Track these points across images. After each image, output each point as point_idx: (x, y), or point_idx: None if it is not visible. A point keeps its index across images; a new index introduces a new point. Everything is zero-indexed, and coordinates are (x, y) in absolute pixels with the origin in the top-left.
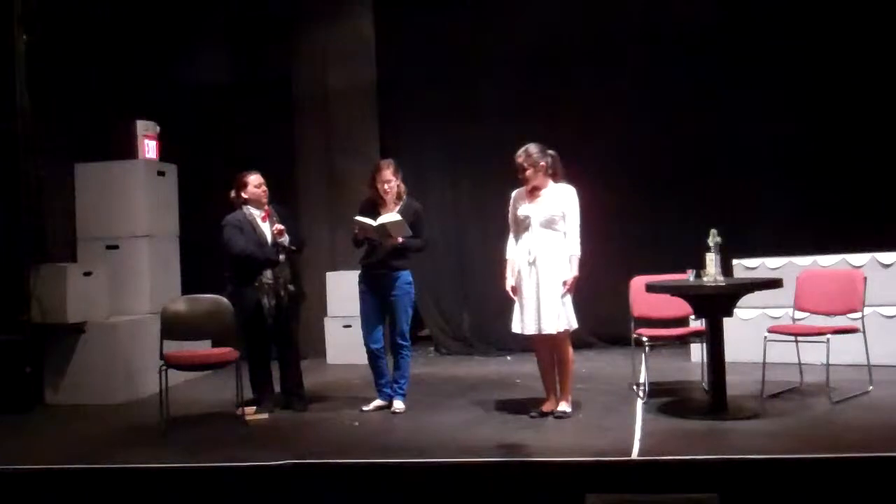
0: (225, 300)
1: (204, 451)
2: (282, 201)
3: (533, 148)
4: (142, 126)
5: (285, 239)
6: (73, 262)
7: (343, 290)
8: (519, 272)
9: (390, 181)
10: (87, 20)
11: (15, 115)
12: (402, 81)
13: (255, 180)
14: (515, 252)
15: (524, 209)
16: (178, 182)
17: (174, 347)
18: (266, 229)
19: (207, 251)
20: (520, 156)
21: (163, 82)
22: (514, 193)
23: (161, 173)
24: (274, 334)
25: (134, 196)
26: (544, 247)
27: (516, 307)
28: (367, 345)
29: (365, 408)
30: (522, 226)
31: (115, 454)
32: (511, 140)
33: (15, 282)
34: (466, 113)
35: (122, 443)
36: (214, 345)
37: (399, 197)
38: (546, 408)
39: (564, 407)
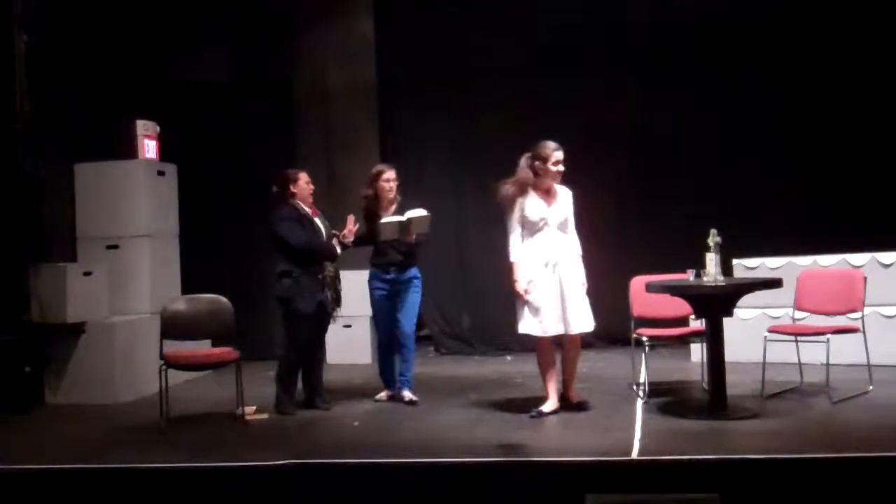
0: (224, 300)
1: (204, 451)
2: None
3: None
4: (142, 126)
5: (350, 239)
6: (73, 262)
7: (343, 290)
8: (533, 273)
9: (393, 179)
10: (86, 20)
11: (15, 115)
12: (402, 81)
13: (305, 177)
14: (526, 253)
15: (539, 211)
16: (178, 182)
17: (174, 347)
18: (319, 223)
19: (207, 251)
20: (559, 150)
21: (163, 82)
22: (528, 195)
23: (161, 173)
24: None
25: (134, 196)
26: (562, 249)
27: (526, 308)
28: (380, 341)
29: (377, 397)
30: (535, 227)
31: (115, 454)
32: (511, 140)
33: (15, 282)
34: (466, 113)
35: (122, 443)
36: (214, 345)
37: (395, 199)
38: (546, 408)
39: (544, 407)
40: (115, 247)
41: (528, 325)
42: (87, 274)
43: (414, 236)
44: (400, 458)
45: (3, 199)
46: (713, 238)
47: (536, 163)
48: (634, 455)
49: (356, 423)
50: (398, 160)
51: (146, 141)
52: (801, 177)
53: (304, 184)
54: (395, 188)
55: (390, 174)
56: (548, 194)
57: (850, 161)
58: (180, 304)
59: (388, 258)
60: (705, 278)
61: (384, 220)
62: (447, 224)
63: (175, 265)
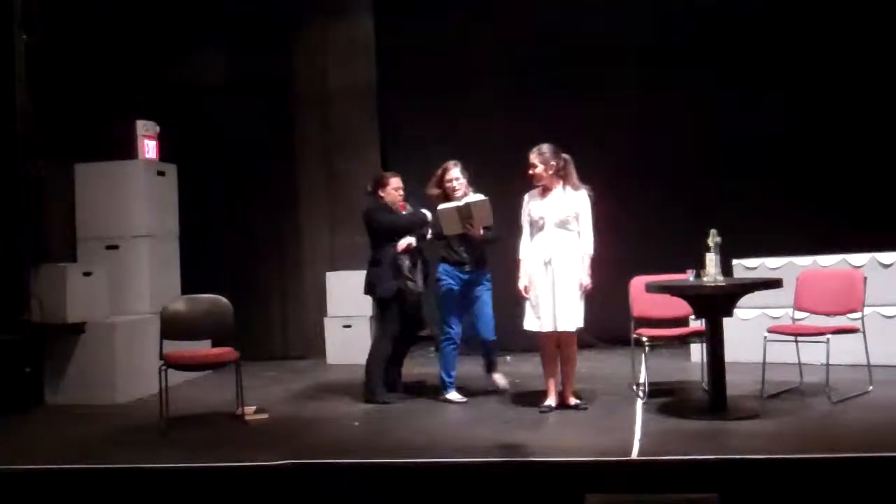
0: (224, 300)
1: (204, 451)
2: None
3: (545, 147)
4: (142, 126)
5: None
6: (73, 262)
7: (343, 290)
8: (532, 271)
9: (458, 178)
10: (86, 20)
11: (15, 115)
12: (402, 81)
13: (396, 183)
14: (529, 252)
15: (538, 210)
16: (178, 182)
17: (174, 347)
18: None
19: (207, 251)
20: (532, 153)
21: (163, 82)
22: (527, 195)
23: (161, 173)
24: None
25: (134, 196)
26: (559, 247)
27: (528, 305)
28: (453, 338)
29: (454, 398)
30: (536, 226)
31: (115, 454)
32: (511, 140)
33: (15, 282)
34: (466, 113)
35: (122, 443)
36: (214, 345)
37: (466, 195)
38: (551, 403)
39: (576, 401)
40: (115, 247)
41: (527, 320)
42: (87, 274)
43: (480, 230)
44: (400, 458)
45: (3, 199)
46: (713, 238)
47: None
48: (634, 455)
49: (356, 423)
50: (398, 160)
51: (146, 141)
52: (801, 177)
53: (392, 189)
54: (462, 185)
55: (454, 171)
56: (544, 194)
57: (850, 161)
58: (180, 304)
59: (459, 258)
60: (705, 278)
61: (441, 207)
62: None
63: (175, 265)
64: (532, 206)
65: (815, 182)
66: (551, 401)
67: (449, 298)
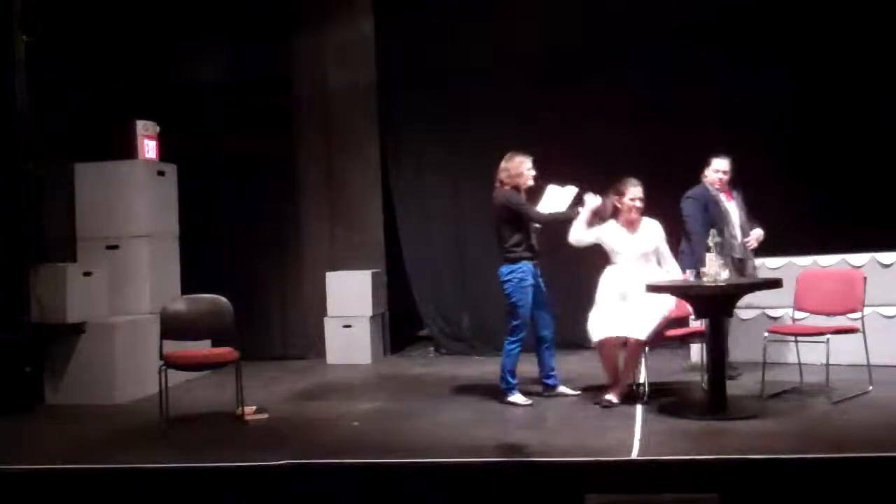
0: (224, 300)
1: (204, 451)
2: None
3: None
4: (142, 126)
5: None
6: (73, 262)
7: (343, 290)
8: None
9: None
10: (87, 20)
11: (15, 115)
12: (402, 81)
13: (717, 165)
14: (605, 280)
15: (618, 241)
16: (178, 182)
17: (174, 347)
18: (733, 209)
19: (207, 251)
20: (637, 186)
21: (162, 82)
22: (608, 223)
23: (161, 173)
24: None
25: (134, 196)
26: (637, 281)
27: (595, 314)
28: (523, 340)
29: (522, 401)
30: (613, 255)
31: (115, 454)
32: (510, 140)
33: (15, 282)
34: (466, 113)
35: (122, 443)
36: (214, 345)
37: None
38: (611, 396)
39: (611, 397)
40: (115, 247)
41: (600, 327)
42: (87, 274)
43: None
44: (400, 458)
45: (3, 199)
46: (713, 238)
47: (615, 196)
48: (634, 455)
49: (356, 423)
50: (397, 160)
51: (146, 141)
52: (802, 177)
53: (711, 171)
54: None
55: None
56: (630, 227)
57: (850, 161)
58: (180, 304)
59: (534, 252)
60: (705, 278)
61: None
62: (447, 224)
63: (175, 265)
64: (609, 234)
65: (815, 182)
66: (614, 396)
67: (527, 298)
